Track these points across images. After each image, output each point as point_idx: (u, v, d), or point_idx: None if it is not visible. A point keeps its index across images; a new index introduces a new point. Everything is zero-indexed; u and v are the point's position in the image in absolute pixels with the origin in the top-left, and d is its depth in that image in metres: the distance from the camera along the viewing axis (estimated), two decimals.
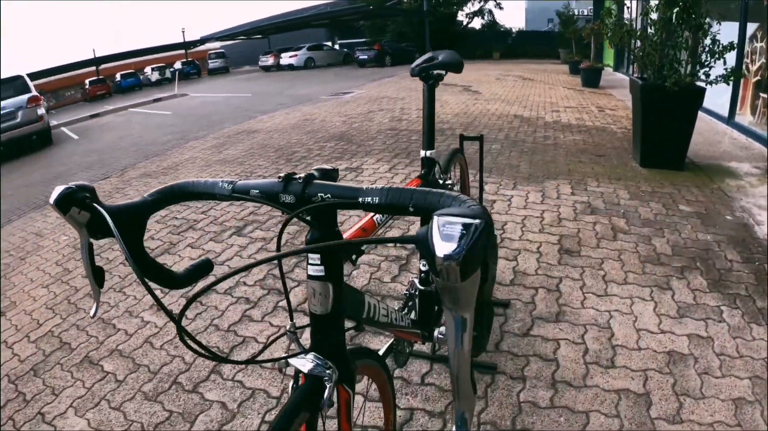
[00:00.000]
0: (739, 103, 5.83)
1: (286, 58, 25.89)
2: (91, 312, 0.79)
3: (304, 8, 31.89)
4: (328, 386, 0.78)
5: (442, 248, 0.39)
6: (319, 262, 0.76)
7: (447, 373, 1.96)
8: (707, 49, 4.00)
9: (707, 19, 4.03)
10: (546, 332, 2.21)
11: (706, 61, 4.03)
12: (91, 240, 0.71)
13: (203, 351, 0.67)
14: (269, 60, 26.96)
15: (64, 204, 0.66)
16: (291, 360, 0.80)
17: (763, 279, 2.56)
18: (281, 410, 0.74)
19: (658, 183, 4.05)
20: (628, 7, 6.77)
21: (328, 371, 0.79)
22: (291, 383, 0.83)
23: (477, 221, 0.40)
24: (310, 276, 0.78)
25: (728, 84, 4.16)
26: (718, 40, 3.98)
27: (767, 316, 2.24)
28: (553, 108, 8.19)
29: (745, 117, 5.74)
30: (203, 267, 0.79)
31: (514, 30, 31.88)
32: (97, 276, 0.73)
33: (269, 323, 2.33)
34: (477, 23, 31.74)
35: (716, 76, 4.02)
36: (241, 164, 5.27)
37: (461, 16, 31.05)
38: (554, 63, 19.70)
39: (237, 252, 3.24)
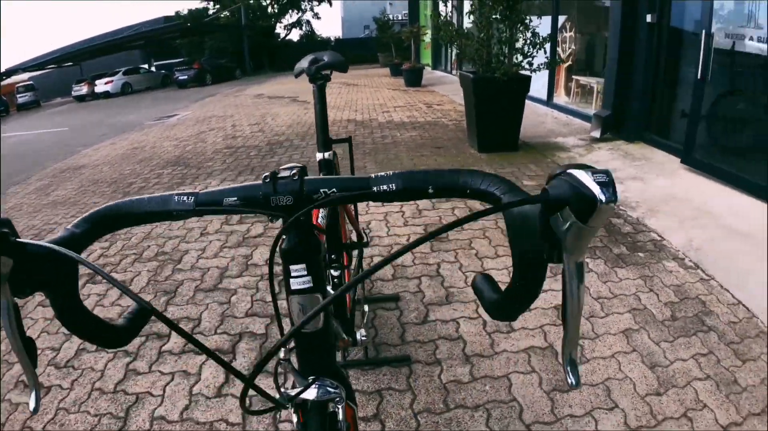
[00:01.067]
0: (555, 87, 6.75)
1: (101, 85, 23.41)
2: (31, 405, 0.53)
3: (117, 29, 29.19)
4: (340, 408, 0.70)
5: (601, 193, 0.41)
6: (305, 272, 0.65)
7: (375, 376, 1.88)
8: (529, 41, 4.48)
9: (527, 16, 4.55)
10: (443, 315, 2.25)
11: (529, 51, 4.53)
12: (15, 299, 0.50)
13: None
14: (83, 89, 24.13)
15: None
16: (291, 391, 0.68)
17: (613, 231, 2.91)
18: None
19: (498, 164, 4.42)
20: (455, 7, 7.37)
21: (336, 391, 0.70)
22: (295, 420, 0.71)
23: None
24: (294, 291, 0.66)
25: (551, 69, 4.72)
26: (538, 33, 4.49)
27: None
28: (383, 109, 8.55)
29: (561, 98, 6.68)
30: (141, 315, 0.62)
31: (332, 39, 32.78)
32: (29, 350, 0.52)
33: (160, 372, 1.98)
34: (295, 35, 32.06)
35: (538, 65, 4.54)
36: (75, 204, 4.58)
37: (279, 29, 31.09)
38: (375, 67, 20.64)
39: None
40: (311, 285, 0.65)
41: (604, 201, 0.41)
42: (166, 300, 2.51)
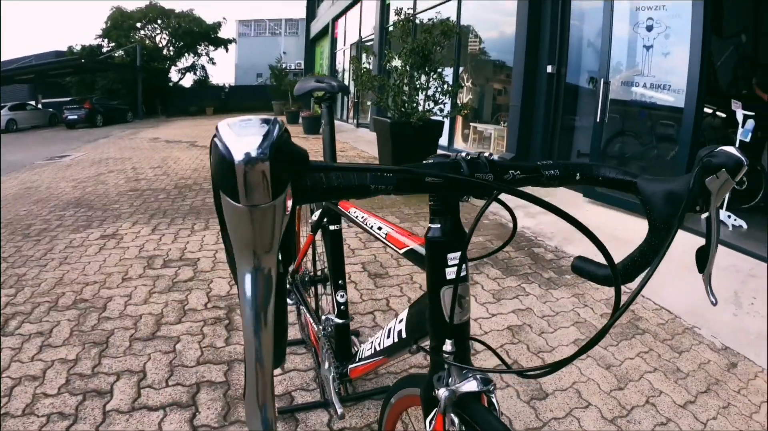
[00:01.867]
0: (454, 134, 7.35)
1: None
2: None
3: (5, 61, 26.36)
4: (494, 399, 0.71)
5: (745, 159, 0.59)
6: (458, 261, 0.67)
7: (360, 411, 1.86)
8: (440, 89, 4.86)
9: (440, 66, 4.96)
10: None
11: (440, 99, 4.89)
12: None
13: None
14: None
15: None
16: (449, 388, 0.70)
17: (538, 259, 3.18)
18: None
19: (417, 206, 4.64)
20: (374, 56, 7.74)
21: (491, 382, 0.70)
22: (454, 418, 0.70)
23: None
24: (450, 281, 0.67)
25: (462, 115, 5.13)
26: (447, 82, 4.89)
27: None
28: None
29: (460, 144, 7.29)
30: None
31: (226, 85, 32.27)
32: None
33: None
34: (188, 80, 31.23)
35: (447, 111, 4.92)
36: None
37: (174, 72, 30.17)
38: (269, 115, 20.57)
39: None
40: (465, 273, 0.67)
41: (746, 164, 0.58)
42: (98, 352, 2.19)
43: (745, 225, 3.67)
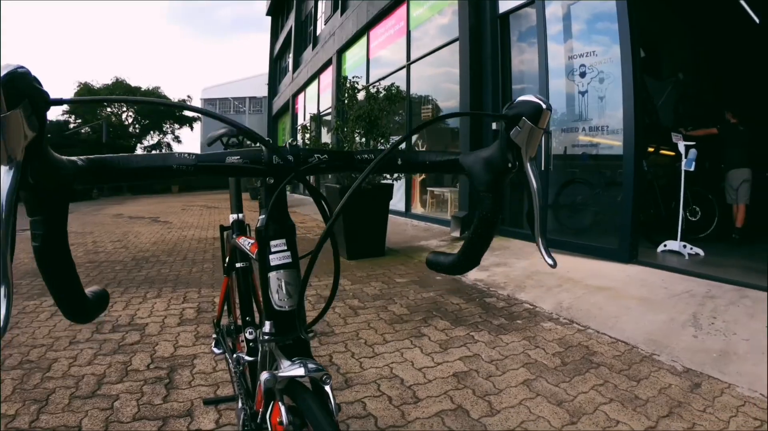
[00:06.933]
0: (411, 199, 7.34)
1: None
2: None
3: None
4: (328, 388, 0.66)
5: (543, 103, 0.55)
6: (285, 247, 0.68)
7: None
8: None
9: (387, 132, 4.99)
10: (346, 397, 2.07)
11: None
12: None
13: None
14: None
15: (14, 89, 0.41)
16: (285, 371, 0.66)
17: (488, 308, 3.00)
18: None
19: (369, 268, 4.46)
20: (323, 125, 7.84)
21: (323, 370, 0.67)
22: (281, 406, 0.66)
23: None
24: (273, 267, 0.67)
25: (408, 179, 5.11)
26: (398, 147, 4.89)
27: None
28: (250, 228, 8.40)
29: (417, 209, 7.21)
30: (102, 299, 0.61)
31: None
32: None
33: None
34: None
35: (397, 174, 4.87)
36: None
37: (139, 149, 30.07)
38: None
39: None
40: (290, 260, 0.67)
41: (545, 107, 0.55)
42: (36, 409, 2.05)
43: (702, 253, 3.60)
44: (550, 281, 3.38)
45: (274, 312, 0.67)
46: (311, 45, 14.99)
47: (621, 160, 3.78)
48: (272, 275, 0.66)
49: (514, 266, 3.96)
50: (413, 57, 7.47)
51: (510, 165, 0.58)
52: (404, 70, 7.61)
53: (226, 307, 1.77)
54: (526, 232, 4.73)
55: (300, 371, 0.64)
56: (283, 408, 0.64)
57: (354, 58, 10.51)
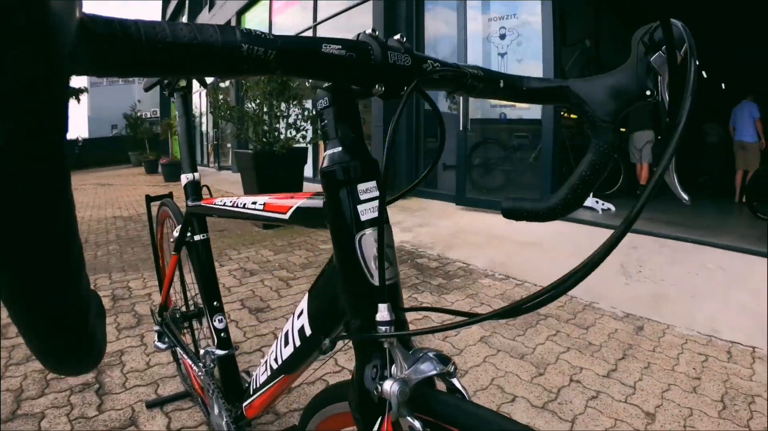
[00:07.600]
0: (320, 164, 7.06)
1: None
2: None
3: None
4: (459, 383, 0.50)
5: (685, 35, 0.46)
6: (378, 193, 0.52)
7: None
8: (302, 116, 4.64)
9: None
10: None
11: (301, 126, 4.66)
12: None
13: None
14: None
15: None
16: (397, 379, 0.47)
17: (423, 269, 3.03)
18: None
19: (289, 237, 4.31)
20: (231, 89, 7.27)
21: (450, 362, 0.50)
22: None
23: None
24: (368, 222, 0.50)
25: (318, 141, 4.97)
26: (308, 108, 4.68)
27: None
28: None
29: None
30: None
31: (79, 139, 29.34)
32: None
33: None
34: None
35: (310, 138, 4.71)
36: None
37: None
38: (127, 167, 18.77)
39: None
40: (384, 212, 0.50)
41: (686, 40, 0.46)
42: None
43: (613, 208, 3.91)
44: (477, 239, 3.49)
45: (387, 287, 0.48)
46: (207, 6, 13.85)
47: (540, 124, 3.96)
48: (368, 234, 0.49)
49: (437, 226, 4.03)
50: (320, 18, 7.16)
51: (648, 93, 0.51)
52: (310, 32, 7.28)
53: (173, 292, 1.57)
54: (442, 192, 4.84)
55: (430, 367, 0.47)
56: (418, 424, 0.45)
57: (255, 20, 9.89)
